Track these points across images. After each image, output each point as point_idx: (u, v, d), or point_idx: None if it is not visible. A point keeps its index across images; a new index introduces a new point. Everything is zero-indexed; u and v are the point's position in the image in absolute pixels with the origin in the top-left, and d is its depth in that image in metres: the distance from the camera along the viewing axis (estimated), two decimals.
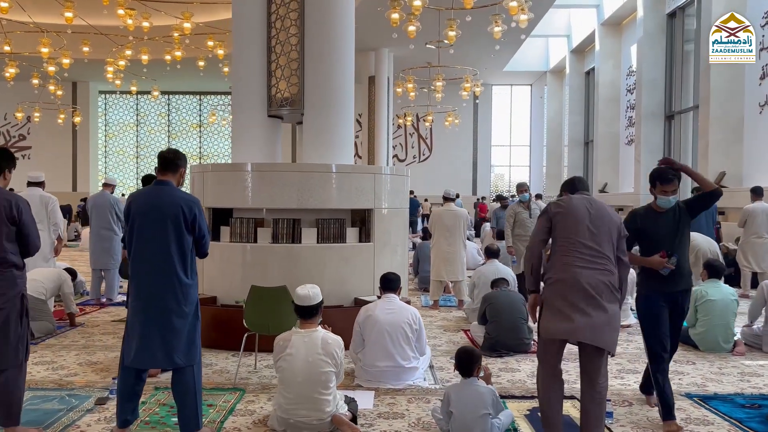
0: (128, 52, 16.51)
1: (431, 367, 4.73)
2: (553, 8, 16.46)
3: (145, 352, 3.23)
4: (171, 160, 3.40)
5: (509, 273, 6.27)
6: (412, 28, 11.55)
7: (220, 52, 15.48)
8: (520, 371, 4.71)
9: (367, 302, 5.44)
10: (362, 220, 5.83)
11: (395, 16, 10.75)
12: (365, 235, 5.76)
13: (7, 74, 16.50)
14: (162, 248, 3.23)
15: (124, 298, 7.63)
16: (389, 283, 4.47)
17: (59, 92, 20.16)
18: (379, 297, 5.58)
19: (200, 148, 27.74)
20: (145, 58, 15.99)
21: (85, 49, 15.45)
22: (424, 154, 26.29)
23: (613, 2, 17.85)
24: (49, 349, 5.22)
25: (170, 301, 3.24)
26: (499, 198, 12.72)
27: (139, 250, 3.27)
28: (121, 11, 12.44)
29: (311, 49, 5.91)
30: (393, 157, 24.24)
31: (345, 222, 5.69)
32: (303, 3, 5.92)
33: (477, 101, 23.66)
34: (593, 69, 20.96)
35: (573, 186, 3.45)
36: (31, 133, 25.05)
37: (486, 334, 5.22)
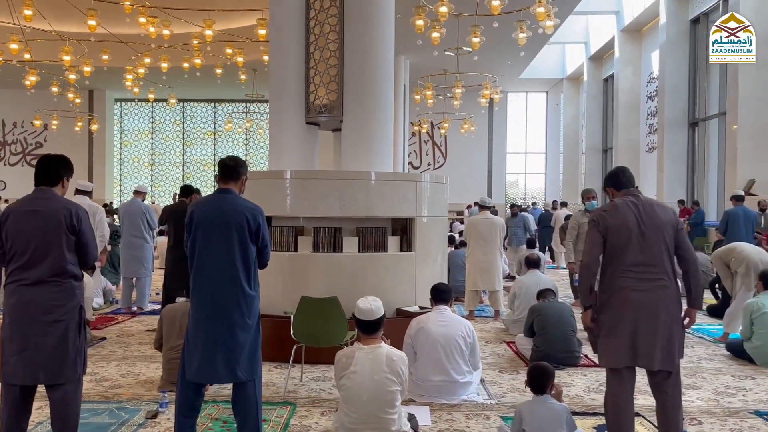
0: (147, 60, 16.59)
1: (482, 381, 4.59)
2: (572, 15, 16.36)
3: (207, 366, 3.12)
4: (233, 168, 3.30)
5: (552, 283, 6.12)
6: (436, 34, 11.49)
7: (240, 59, 15.50)
8: (574, 385, 4.57)
9: (410, 313, 5.34)
10: (403, 229, 5.71)
11: (420, 22, 10.68)
12: (406, 244, 5.64)
13: (28, 82, 16.58)
14: (226, 258, 3.13)
15: (156, 306, 7.58)
16: (441, 294, 4.34)
17: (77, 100, 20.25)
18: (421, 308, 5.50)
19: (214, 155, 27.74)
20: (164, 65, 16.02)
21: (105, 57, 15.51)
22: (438, 162, 26.17)
23: (633, 9, 17.73)
24: (89, 360, 5.11)
25: (234, 313, 3.13)
26: (512, 207, 12.57)
27: (201, 261, 3.17)
28: (142, 19, 12.46)
29: (351, 55, 5.83)
30: (408, 164, 24.15)
31: (386, 230, 5.58)
32: (342, 9, 5.85)
33: (496, 108, 23.53)
34: (612, 76, 20.82)
35: (618, 181, 3.30)
36: (48, 140, 25.14)
37: (534, 347, 5.08)
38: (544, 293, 5.42)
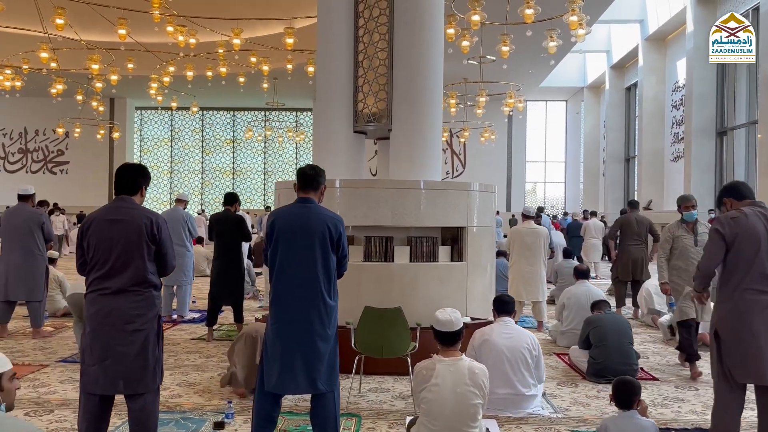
0: (171, 69, 16.72)
1: (543, 394, 4.51)
2: (594, 24, 16.30)
3: (287, 377, 3.09)
4: (313, 177, 3.27)
5: (602, 295, 6.04)
6: (465, 43, 11.48)
7: (265, 68, 15.58)
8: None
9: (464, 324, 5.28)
10: (453, 239, 5.66)
11: (451, 31, 10.67)
12: (457, 254, 5.59)
13: (54, 90, 16.75)
14: (308, 268, 3.10)
15: (195, 315, 7.57)
16: (505, 306, 4.28)
17: (101, 108, 20.43)
18: (473, 319, 5.43)
19: (233, 163, 27.88)
20: (190, 74, 16.14)
21: (130, 65, 15.65)
22: (457, 170, 26.11)
23: (658, 17, 17.64)
24: None
25: (315, 323, 3.10)
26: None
27: (283, 271, 3.14)
28: (170, 28, 12.56)
29: (400, 63, 5.80)
30: None
31: (437, 240, 5.53)
32: (392, 17, 5.83)
33: (520, 116, 23.47)
34: (635, 84, 20.72)
35: (739, 191, 3.20)
36: (70, 148, 25.37)
37: (591, 359, 4.99)
38: (599, 304, 5.34)
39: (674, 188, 17.48)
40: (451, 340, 3.22)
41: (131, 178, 3.20)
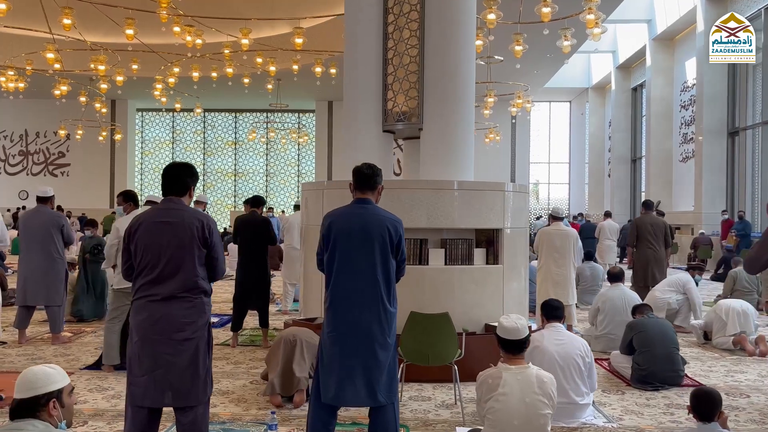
0: (176, 70, 16.53)
1: (592, 402, 4.35)
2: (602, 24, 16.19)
3: (347, 388, 2.92)
4: (370, 177, 3.12)
5: (638, 298, 5.89)
6: (479, 42, 11.34)
7: (272, 68, 15.41)
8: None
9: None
10: (488, 241, 5.50)
11: None
12: (493, 257, 5.43)
13: (57, 92, 16.55)
14: (368, 273, 2.94)
15: (215, 319, 7.37)
16: (554, 311, 4.12)
17: (104, 110, 20.21)
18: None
19: (235, 165, 27.68)
20: (195, 75, 15.98)
21: (135, 66, 15.46)
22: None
23: (667, 17, 17.55)
24: None
25: (375, 331, 2.93)
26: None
27: (341, 275, 2.97)
28: (177, 28, 12.40)
29: (432, 61, 5.64)
30: None
31: (473, 242, 5.37)
32: (423, 13, 5.67)
33: (529, 116, 23.34)
34: (641, 85, 20.62)
35: None
36: (71, 150, 25.12)
37: (635, 365, 4.83)
38: (642, 308, 5.18)
39: (683, 189, 17.38)
40: (517, 348, 3.07)
41: (180, 178, 3.03)
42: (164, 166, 3.10)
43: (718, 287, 9.96)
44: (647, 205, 8.18)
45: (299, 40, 12.99)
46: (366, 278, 2.95)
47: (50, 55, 13.31)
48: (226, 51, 14.78)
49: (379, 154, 5.90)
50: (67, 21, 11.50)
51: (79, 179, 25.11)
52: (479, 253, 5.38)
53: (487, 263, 5.41)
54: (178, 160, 27.39)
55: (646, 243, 7.61)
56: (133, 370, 2.92)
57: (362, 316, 2.94)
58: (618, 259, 13.24)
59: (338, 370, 2.94)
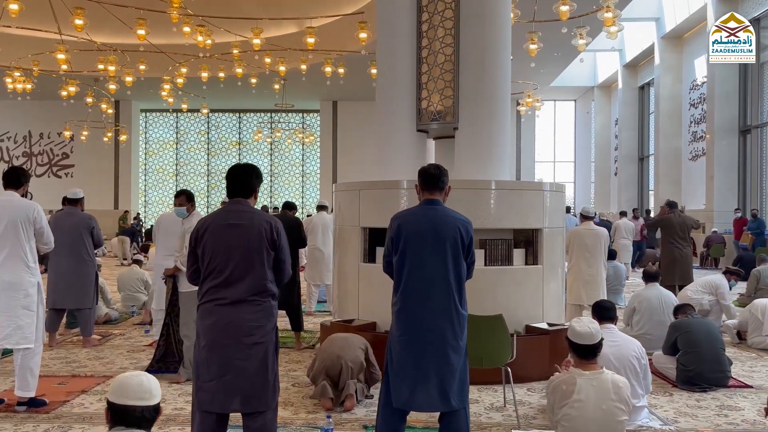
0: (183, 70, 16.45)
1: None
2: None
3: (420, 393, 2.86)
4: (438, 177, 3.05)
5: (674, 298, 5.84)
6: None
7: (282, 68, 15.35)
8: (743, 409, 4.26)
9: (541, 330, 5.08)
10: (526, 241, 5.44)
11: None
12: (532, 257, 5.38)
13: (65, 93, 16.46)
14: (439, 275, 2.88)
15: None
16: (607, 312, 4.07)
17: (110, 111, 20.10)
18: (550, 325, 5.22)
19: None
20: (204, 75, 15.91)
21: (142, 67, 15.38)
22: None
23: (676, 15, 17.52)
24: None
25: (448, 334, 2.88)
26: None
27: (412, 278, 2.91)
28: (187, 28, 12.34)
29: (467, 59, 5.58)
30: None
31: (511, 243, 5.31)
32: (458, 11, 5.61)
33: (538, 115, 23.30)
34: (648, 83, 20.61)
35: None
36: (75, 151, 25.00)
37: (681, 366, 4.78)
38: (684, 308, 5.13)
39: (693, 187, 17.36)
40: (591, 352, 3.01)
41: (246, 180, 2.98)
42: (229, 168, 3.04)
43: (740, 286, 9.93)
44: (671, 204, 8.14)
45: (311, 40, 12.91)
46: (438, 281, 2.89)
47: (61, 56, 13.21)
48: (235, 51, 14.71)
49: (413, 154, 5.86)
50: (78, 21, 11.42)
51: (83, 180, 24.94)
52: (518, 254, 5.33)
53: (526, 264, 5.36)
54: (181, 160, 27.33)
55: (673, 242, 7.57)
56: (201, 375, 2.86)
57: (435, 319, 2.88)
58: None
59: (410, 375, 2.88)
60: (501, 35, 5.68)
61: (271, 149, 27.45)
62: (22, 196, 4.10)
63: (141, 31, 12.00)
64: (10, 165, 24.86)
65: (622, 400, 2.92)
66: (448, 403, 2.88)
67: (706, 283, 6.50)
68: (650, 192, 20.78)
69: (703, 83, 16.66)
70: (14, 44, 15.78)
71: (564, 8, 10.06)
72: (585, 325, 3.06)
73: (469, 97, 5.58)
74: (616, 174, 22.95)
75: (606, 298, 6.85)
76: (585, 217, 6.93)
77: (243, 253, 2.83)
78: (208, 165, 27.41)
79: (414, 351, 2.89)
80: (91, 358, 5.53)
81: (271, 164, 27.63)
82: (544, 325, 5.17)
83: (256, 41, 13.15)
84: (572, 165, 26.88)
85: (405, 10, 5.75)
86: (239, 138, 27.55)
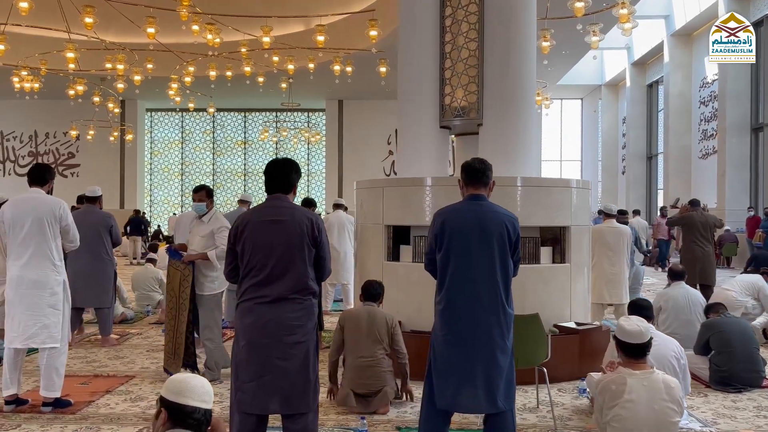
0: (191, 69, 16.38)
1: None
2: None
3: (467, 394, 2.78)
4: (482, 172, 2.97)
5: (701, 296, 5.75)
6: None
7: (291, 66, 15.27)
8: None
9: (571, 329, 4.99)
10: (553, 239, 5.36)
11: None
12: (560, 255, 5.29)
13: (72, 92, 16.39)
14: (486, 273, 2.80)
15: None
16: (644, 311, 3.96)
17: (117, 110, 20.03)
18: (578, 324, 5.14)
19: (245, 165, 27.51)
20: (213, 74, 15.84)
21: (150, 66, 15.30)
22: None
23: (686, 13, 17.41)
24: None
25: (495, 334, 2.79)
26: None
27: (457, 276, 2.83)
28: (196, 27, 12.27)
29: (492, 54, 5.49)
30: None
31: (539, 241, 5.23)
32: (483, 5, 5.52)
33: (547, 114, 23.19)
34: (657, 81, 20.50)
35: None
36: (80, 151, 24.95)
37: (714, 366, 4.69)
38: (716, 307, 5.04)
39: (703, 186, 17.25)
40: (640, 352, 2.92)
41: (285, 175, 2.89)
42: (267, 163, 2.95)
43: None
44: (694, 203, 8.05)
45: (321, 38, 12.82)
46: (485, 279, 2.81)
47: (70, 55, 13.13)
48: (243, 50, 14.64)
49: (436, 150, 5.78)
50: (88, 20, 11.35)
51: (89, 180, 24.84)
52: (545, 252, 5.25)
53: (553, 262, 5.27)
54: (186, 160, 27.25)
55: (696, 241, 7.48)
56: (240, 375, 2.78)
57: (482, 319, 2.80)
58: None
59: (455, 375, 2.80)
60: (526, 29, 5.59)
61: (276, 148, 27.37)
62: (48, 193, 4.02)
63: (151, 30, 11.92)
64: (16, 164, 24.87)
65: (675, 401, 2.83)
66: (494, 405, 2.79)
67: (748, 287, 6.28)
68: (659, 191, 20.67)
69: (714, 81, 16.55)
70: (22, 43, 15.71)
71: (579, 4, 9.97)
72: (634, 324, 2.97)
73: (494, 93, 5.49)
74: (623, 173, 22.85)
75: (629, 297, 6.79)
76: (607, 215, 6.84)
77: (284, 249, 2.75)
78: (213, 164, 27.33)
79: (459, 351, 2.81)
80: (111, 357, 5.46)
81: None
82: (571, 325, 5.08)
83: (266, 39, 13.07)
84: (579, 164, 26.78)
85: (428, 5, 5.66)
86: (244, 137, 27.48)
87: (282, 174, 2.89)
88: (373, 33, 12.07)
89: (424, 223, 5.30)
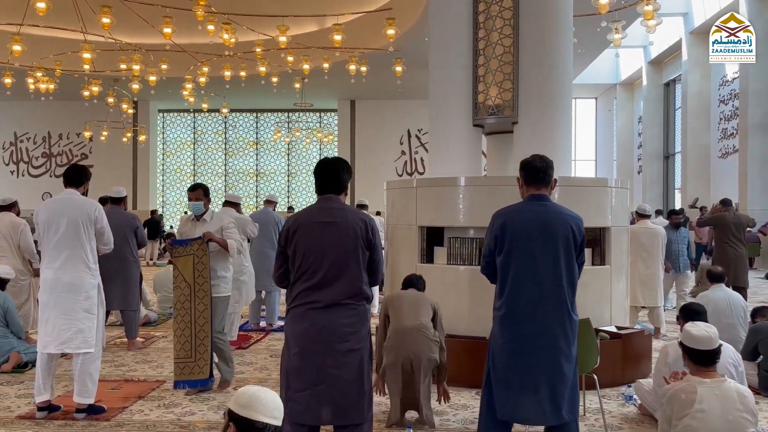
0: (205, 69, 16.32)
1: None
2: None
3: (531, 405, 2.64)
4: (544, 170, 2.84)
5: (743, 299, 5.58)
6: None
7: (306, 66, 15.17)
8: None
9: (612, 333, 4.84)
10: (592, 240, 5.20)
11: None
12: (599, 257, 5.14)
13: (87, 93, 16.38)
14: (551, 277, 2.66)
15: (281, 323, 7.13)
16: (698, 316, 3.81)
17: (130, 111, 20.01)
18: (618, 328, 4.98)
19: (257, 165, 27.46)
20: (228, 74, 15.78)
21: (164, 66, 15.25)
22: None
23: (705, 10, 17.18)
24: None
25: (560, 341, 2.66)
26: (672, 214, 8.11)
27: (520, 280, 2.69)
28: (211, 26, 12.20)
29: (528, 52, 5.34)
30: None
31: None
32: (518, 2, 5.38)
33: None
34: (674, 80, 20.25)
35: None
36: (93, 152, 24.98)
37: (764, 372, 4.53)
38: (763, 311, 4.87)
39: (722, 185, 17.00)
40: (710, 359, 2.77)
41: (337, 175, 2.76)
42: (317, 163, 2.82)
43: None
44: (726, 202, 7.86)
45: (338, 37, 12.72)
46: (550, 283, 2.67)
47: (86, 56, 13.08)
48: (258, 50, 14.55)
49: (469, 149, 5.65)
50: (105, 20, 11.29)
51: (103, 181, 24.84)
52: (585, 254, 5.08)
53: (593, 264, 5.12)
54: (198, 161, 27.23)
55: (728, 242, 7.30)
56: (292, 384, 2.66)
57: (546, 326, 2.66)
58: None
59: (517, 385, 2.67)
60: (563, 25, 5.45)
61: (288, 149, 27.31)
62: (83, 194, 3.92)
63: (167, 30, 11.85)
64: (30, 165, 24.93)
65: (749, 411, 2.68)
66: (559, 416, 2.65)
67: None
68: (676, 190, 20.43)
69: (734, 79, 16.31)
70: (37, 44, 15.70)
71: (603, 1, 9.82)
72: (702, 330, 2.83)
73: (530, 90, 5.34)
74: (639, 172, 22.60)
75: (663, 300, 6.62)
76: (641, 216, 6.67)
77: (337, 252, 2.63)
78: (225, 165, 27.31)
79: (522, 359, 2.67)
80: (139, 361, 5.35)
81: (289, 164, 27.48)
82: (612, 329, 4.93)
83: (283, 39, 12.97)
84: (593, 163, 26.54)
85: (460, 1, 5.53)
86: (256, 138, 27.44)
87: (333, 173, 2.76)
88: (391, 32, 11.96)
89: (458, 224, 5.18)
